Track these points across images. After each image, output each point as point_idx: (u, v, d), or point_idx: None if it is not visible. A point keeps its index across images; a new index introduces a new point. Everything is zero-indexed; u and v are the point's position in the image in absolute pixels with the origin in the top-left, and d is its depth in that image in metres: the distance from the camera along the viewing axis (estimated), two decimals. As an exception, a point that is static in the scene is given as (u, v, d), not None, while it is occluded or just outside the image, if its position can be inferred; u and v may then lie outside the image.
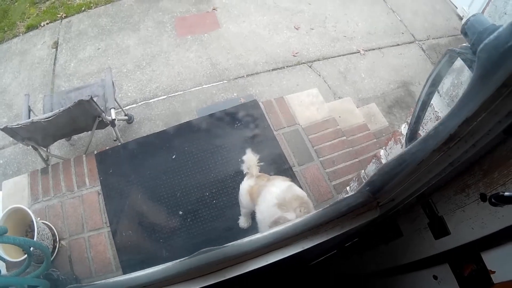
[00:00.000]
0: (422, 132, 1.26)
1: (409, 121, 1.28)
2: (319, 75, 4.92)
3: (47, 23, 5.73)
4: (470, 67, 0.87)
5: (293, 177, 3.26)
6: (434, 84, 1.07)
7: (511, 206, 0.89)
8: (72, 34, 5.51)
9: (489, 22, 0.80)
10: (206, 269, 1.19)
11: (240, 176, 3.10)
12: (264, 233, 1.22)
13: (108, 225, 3.17)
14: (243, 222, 3.09)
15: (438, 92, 1.22)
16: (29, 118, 3.66)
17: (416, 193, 1.19)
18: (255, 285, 1.81)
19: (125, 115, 4.37)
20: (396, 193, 1.21)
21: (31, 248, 2.61)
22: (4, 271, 2.88)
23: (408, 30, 5.52)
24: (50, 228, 3.13)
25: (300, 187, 3.16)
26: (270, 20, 5.47)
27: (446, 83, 1.17)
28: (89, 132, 3.65)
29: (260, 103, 3.75)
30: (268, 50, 5.13)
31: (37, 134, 3.38)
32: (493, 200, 0.88)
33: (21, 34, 5.71)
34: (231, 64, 4.98)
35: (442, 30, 5.56)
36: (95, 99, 3.28)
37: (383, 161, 1.65)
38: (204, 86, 4.77)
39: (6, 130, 3.16)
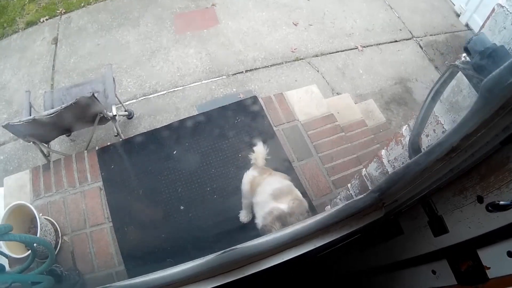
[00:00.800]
0: (423, 135, 1.36)
1: (410, 124, 1.43)
2: (318, 71, 4.91)
3: (47, 19, 5.69)
4: (470, 81, 0.98)
5: (292, 172, 3.26)
6: (436, 95, 1.15)
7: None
8: (71, 30, 5.47)
9: (490, 42, 0.92)
10: (227, 267, 1.23)
11: (240, 171, 3.09)
12: (280, 233, 1.25)
13: (110, 220, 3.17)
14: (243, 216, 3.10)
15: (439, 98, 1.24)
16: (30, 114, 3.65)
17: (418, 195, 1.26)
18: (266, 281, 1.84)
19: (125, 110, 4.35)
20: (400, 195, 1.28)
21: (35, 244, 2.60)
22: (6, 268, 2.87)
23: (406, 27, 5.50)
24: (53, 224, 3.13)
25: (299, 182, 3.23)
26: (268, 16, 5.45)
27: (447, 90, 1.19)
28: (90, 128, 3.63)
29: (260, 99, 3.75)
30: (267, 46, 5.11)
31: (38, 131, 3.36)
32: (490, 208, 0.94)
33: (20, 30, 5.67)
34: (230, 60, 4.96)
35: (439, 27, 5.55)
36: (95, 95, 3.26)
37: (385, 161, 1.68)
38: (203, 82, 4.76)
39: (8, 127, 3.14)
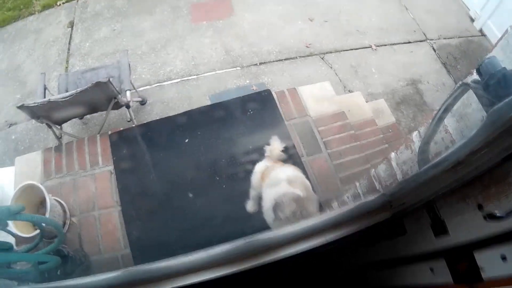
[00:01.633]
0: (432, 142, 1.40)
1: (420, 130, 1.50)
2: (331, 67, 4.83)
3: (63, 3, 5.64)
4: (479, 99, 1.05)
5: (300, 167, 3.22)
6: (447, 109, 1.22)
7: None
8: (88, 15, 5.43)
9: (501, 66, 0.98)
10: (246, 255, 1.27)
11: (250, 163, 3.12)
12: (295, 227, 1.32)
13: (119, 204, 3.16)
14: (250, 205, 3.07)
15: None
16: (45, 96, 3.62)
17: (425, 200, 1.32)
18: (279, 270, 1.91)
19: (139, 96, 4.31)
20: (407, 199, 1.36)
21: (43, 224, 2.56)
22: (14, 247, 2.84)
23: (420, 29, 5.40)
24: (62, 205, 3.11)
25: (308, 176, 3.16)
26: (284, 10, 5.36)
27: (457, 103, 1.25)
28: (104, 112, 3.59)
29: (273, 93, 3.71)
30: (282, 40, 5.04)
31: (52, 113, 3.34)
32: (487, 218, 1.04)
33: (36, 13, 5.64)
34: (245, 51, 4.90)
35: (453, 31, 5.44)
36: (110, 80, 3.21)
37: (393, 163, 1.73)
38: (217, 72, 4.70)
39: (23, 108, 3.12)
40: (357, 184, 2.19)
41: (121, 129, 3.52)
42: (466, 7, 5.68)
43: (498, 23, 5.10)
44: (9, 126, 4.50)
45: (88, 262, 2.95)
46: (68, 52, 5.02)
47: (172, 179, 3.25)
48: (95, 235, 3.06)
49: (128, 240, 3.03)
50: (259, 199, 2.88)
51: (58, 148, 3.42)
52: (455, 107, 1.27)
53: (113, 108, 3.58)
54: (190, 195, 3.18)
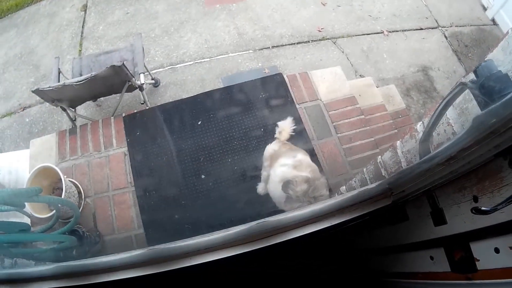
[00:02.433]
0: (434, 133, 1.47)
1: (424, 121, 1.53)
2: (343, 52, 4.73)
3: (77, -14, 5.52)
4: (475, 98, 1.10)
5: (311, 150, 3.22)
6: (447, 104, 1.26)
7: (496, 211, 1.03)
8: (101, -2, 5.33)
9: (496, 69, 1.04)
10: (256, 236, 1.34)
11: (261, 145, 3.11)
12: (302, 211, 1.39)
13: (133, 185, 3.15)
14: (261, 188, 3.05)
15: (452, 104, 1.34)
16: (59, 80, 3.60)
17: (423, 189, 1.37)
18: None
19: (152, 79, 4.28)
20: (407, 187, 1.40)
21: (59, 205, 2.53)
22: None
23: (433, 16, 5.26)
24: (76, 186, 3.10)
25: (318, 160, 3.21)
26: (298, -7, 5.26)
27: (459, 97, 1.31)
28: (117, 94, 3.56)
29: (285, 77, 3.64)
30: (294, 24, 4.95)
31: (67, 96, 3.32)
32: (473, 211, 1.06)
33: (50, -4, 5.54)
34: (258, 35, 4.82)
35: (465, 19, 5.30)
36: (124, 63, 3.16)
37: (399, 151, 1.78)
38: (230, 55, 4.64)
39: (38, 92, 3.10)
40: (364, 169, 2.22)
41: (135, 111, 3.46)
42: (479, -5, 5.54)
43: (510, 13, 4.99)
44: (23, 109, 4.48)
45: (103, 242, 2.95)
46: (81, 36, 4.97)
47: (185, 160, 3.22)
48: (109, 215, 3.05)
49: (141, 220, 3.03)
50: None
51: (72, 131, 3.38)
52: (457, 101, 1.33)
53: (127, 91, 3.54)
54: (203, 176, 3.16)
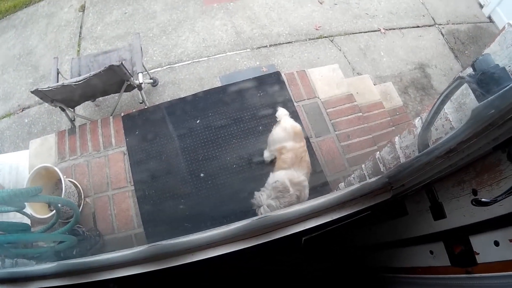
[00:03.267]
0: (432, 128, 1.47)
1: (422, 116, 1.53)
2: (340, 50, 4.74)
3: (75, -13, 5.51)
4: (473, 92, 1.09)
5: (309, 147, 3.20)
6: (445, 99, 1.26)
7: (495, 203, 1.03)
8: (99, -2, 5.33)
9: (494, 63, 1.05)
10: (257, 232, 1.35)
11: (260, 143, 3.18)
12: (302, 206, 1.39)
13: (132, 184, 3.15)
14: (267, 154, 3.13)
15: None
16: (58, 80, 3.60)
17: (423, 183, 1.38)
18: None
19: (150, 78, 4.28)
20: (406, 181, 1.41)
21: (59, 205, 2.53)
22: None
23: (429, 13, 5.28)
24: (76, 186, 3.10)
25: (316, 157, 3.26)
26: (295, -8, 5.27)
27: (457, 92, 1.32)
28: (116, 94, 3.56)
29: (283, 75, 3.65)
30: (292, 22, 4.96)
31: (66, 96, 3.32)
32: (473, 203, 1.07)
33: (48, -3, 5.53)
34: (255, 33, 4.82)
35: (462, 17, 5.32)
36: (122, 63, 3.16)
37: (397, 147, 1.79)
38: (228, 54, 4.65)
39: (37, 92, 3.09)
40: (363, 166, 2.23)
41: (134, 110, 3.46)
42: (476, -7, 5.55)
43: (506, 10, 5.02)
44: (22, 110, 4.47)
45: (103, 241, 2.95)
46: (80, 36, 4.95)
47: (184, 159, 3.22)
48: (109, 215, 3.06)
49: (141, 219, 3.04)
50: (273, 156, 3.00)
51: (71, 130, 3.38)
52: (454, 96, 1.35)
53: (126, 90, 3.55)
54: (202, 174, 3.17)
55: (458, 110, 1.35)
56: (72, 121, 3.64)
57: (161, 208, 3.08)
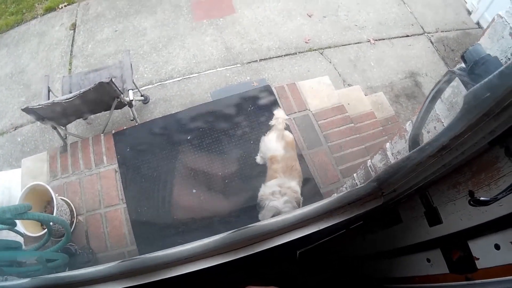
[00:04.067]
0: (424, 131, 1.44)
1: (413, 119, 1.46)
2: (330, 62, 4.82)
3: (65, 5, 5.64)
4: (465, 86, 1.05)
5: (301, 161, 3.25)
6: (435, 96, 1.22)
7: (494, 204, 0.99)
8: (89, 16, 5.42)
9: (484, 53, 0.99)
10: (240, 244, 1.29)
11: (252, 158, 3.26)
12: (287, 216, 1.32)
13: (124, 201, 3.18)
14: (259, 159, 3.22)
15: (441, 98, 1.34)
16: (49, 98, 3.65)
17: (415, 187, 1.31)
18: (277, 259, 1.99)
19: (141, 95, 4.33)
20: (398, 186, 1.34)
21: (51, 223, 2.58)
22: (22, 246, 2.86)
23: (418, 22, 5.37)
24: (68, 204, 3.14)
25: (309, 170, 3.29)
26: (284, 6, 5.35)
27: (447, 91, 1.29)
28: (107, 111, 3.59)
29: (273, 88, 3.72)
30: (281, 36, 5.04)
31: (56, 114, 3.35)
32: (472, 202, 1.03)
33: (39, 16, 5.64)
34: (245, 48, 4.90)
35: (451, 24, 5.41)
36: (113, 80, 3.22)
37: (389, 153, 1.76)
38: (218, 69, 4.71)
39: (27, 110, 3.14)
40: (355, 175, 2.22)
41: (125, 127, 3.52)
42: (464, 0, 5.65)
43: (495, 15, 5.04)
44: (15, 129, 4.52)
45: (95, 259, 2.97)
46: (71, 54, 5.03)
47: (175, 175, 3.26)
48: (101, 233, 3.09)
49: (134, 236, 3.05)
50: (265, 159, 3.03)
51: (63, 149, 3.44)
52: (446, 95, 1.31)
53: (116, 108, 3.58)
54: (194, 190, 3.20)
55: (450, 110, 1.31)
56: (64, 139, 3.67)
57: (154, 225, 3.11)
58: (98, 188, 3.23)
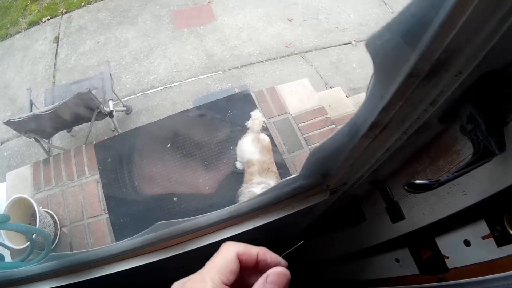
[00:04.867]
0: None
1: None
2: (312, 66, 4.91)
3: (48, 19, 5.77)
4: None
5: (282, 165, 3.30)
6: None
7: (457, 193, 0.91)
8: (72, 29, 5.54)
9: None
10: (162, 244, 1.21)
11: (232, 163, 3.29)
12: (219, 211, 1.18)
13: (107, 211, 3.22)
14: (239, 164, 3.27)
15: None
16: (31, 111, 3.70)
17: (364, 177, 1.14)
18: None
19: (124, 106, 4.40)
20: (343, 177, 1.15)
21: (34, 235, 2.66)
22: (8, 259, 2.94)
23: (399, 22, 5.45)
24: (52, 216, 3.18)
25: (290, 174, 3.23)
26: (264, 12, 5.45)
27: None
28: (89, 123, 3.68)
29: (252, 93, 3.77)
30: (262, 42, 5.13)
31: (38, 127, 3.42)
32: (406, 188, 0.77)
33: (23, 30, 5.76)
34: (226, 55, 5.00)
35: (432, 21, 5.48)
36: (94, 91, 3.32)
37: None
38: (200, 77, 4.80)
39: (9, 123, 3.22)
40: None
41: (105, 138, 3.60)
42: (445, -2, 5.74)
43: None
44: (1, 144, 4.60)
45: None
46: (54, 67, 5.13)
47: (156, 184, 3.30)
48: (85, 244, 3.12)
49: (117, 246, 3.08)
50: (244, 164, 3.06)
51: (46, 161, 3.49)
52: None
53: (98, 119, 3.67)
54: (175, 198, 3.24)
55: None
56: (47, 151, 3.75)
57: (136, 234, 3.13)
58: (81, 200, 3.28)
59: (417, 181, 0.74)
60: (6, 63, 5.39)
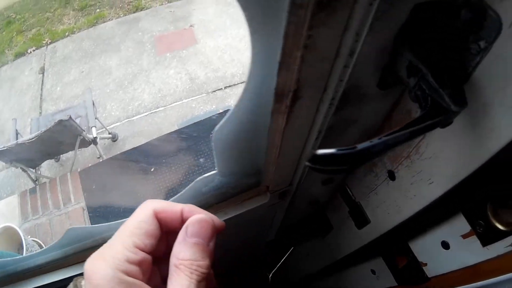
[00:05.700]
0: None
1: None
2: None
3: (34, 50, 5.92)
4: None
5: None
6: None
7: (422, 183, 0.73)
8: (57, 59, 5.69)
9: None
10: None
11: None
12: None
13: None
14: None
15: None
16: (16, 140, 3.75)
17: (311, 174, 0.92)
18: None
19: (109, 133, 4.47)
20: (283, 175, 0.92)
21: None
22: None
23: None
24: (40, 245, 3.22)
25: None
26: (245, 33, 5.13)
27: None
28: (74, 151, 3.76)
29: None
30: (245, 62, 5.21)
31: (23, 155, 3.50)
32: (307, 163, 0.46)
33: (9, 62, 5.91)
34: (209, 77, 5.10)
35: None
36: (78, 119, 3.39)
37: None
38: (184, 101, 4.90)
39: None
40: None
41: (90, 165, 3.68)
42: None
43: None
44: (-9, 175, 4.67)
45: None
46: (41, 98, 5.25)
47: None
48: None
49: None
50: None
51: (33, 190, 3.55)
52: None
53: (82, 146, 3.74)
54: None
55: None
56: (34, 181, 3.85)
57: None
58: (67, 227, 3.19)
59: (320, 151, 0.44)
60: (-7, 95, 5.49)
